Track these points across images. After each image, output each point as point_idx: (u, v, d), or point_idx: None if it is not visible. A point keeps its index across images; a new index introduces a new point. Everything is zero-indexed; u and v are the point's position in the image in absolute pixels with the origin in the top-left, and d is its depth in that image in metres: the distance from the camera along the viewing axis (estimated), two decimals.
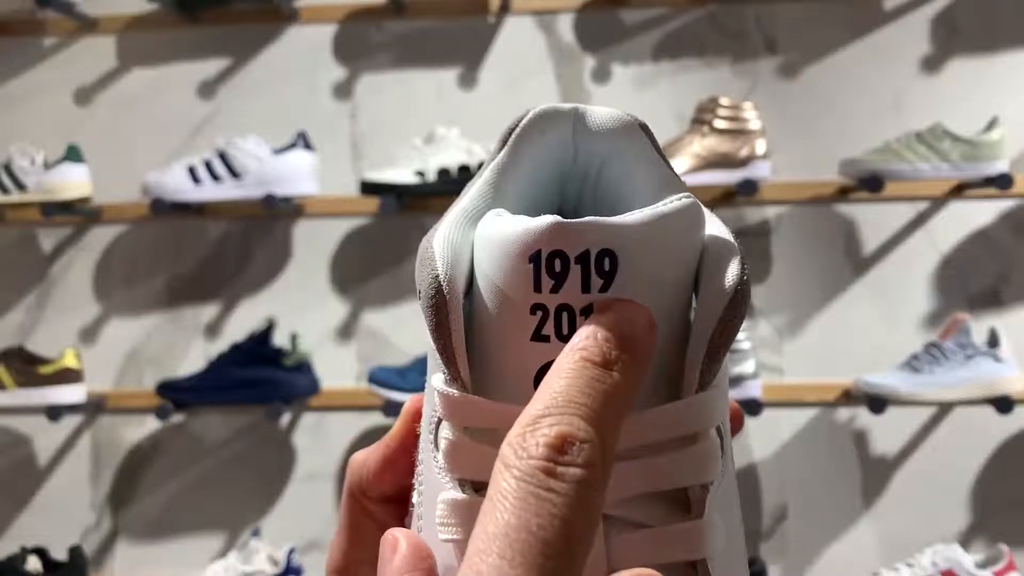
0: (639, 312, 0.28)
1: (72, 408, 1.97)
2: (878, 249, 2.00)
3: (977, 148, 1.82)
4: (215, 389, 1.93)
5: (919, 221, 2.00)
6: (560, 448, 0.25)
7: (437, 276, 0.29)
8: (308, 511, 2.07)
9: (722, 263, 0.29)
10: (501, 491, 0.25)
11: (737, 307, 0.29)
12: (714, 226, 0.31)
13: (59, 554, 1.95)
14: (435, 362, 0.31)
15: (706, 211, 0.31)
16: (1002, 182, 1.81)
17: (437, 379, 0.30)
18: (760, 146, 1.86)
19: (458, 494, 0.29)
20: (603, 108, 0.33)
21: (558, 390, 0.26)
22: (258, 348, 1.94)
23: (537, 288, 0.28)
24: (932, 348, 1.84)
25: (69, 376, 1.96)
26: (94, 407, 2.05)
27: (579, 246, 0.27)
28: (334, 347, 2.06)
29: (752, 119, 1.86)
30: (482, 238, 0.29)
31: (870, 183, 1.81)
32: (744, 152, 1.85)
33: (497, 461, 0.26)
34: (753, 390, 1.84)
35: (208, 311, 2.11)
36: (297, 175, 1.93)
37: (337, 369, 2.04)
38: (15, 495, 2.15)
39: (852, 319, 2.00)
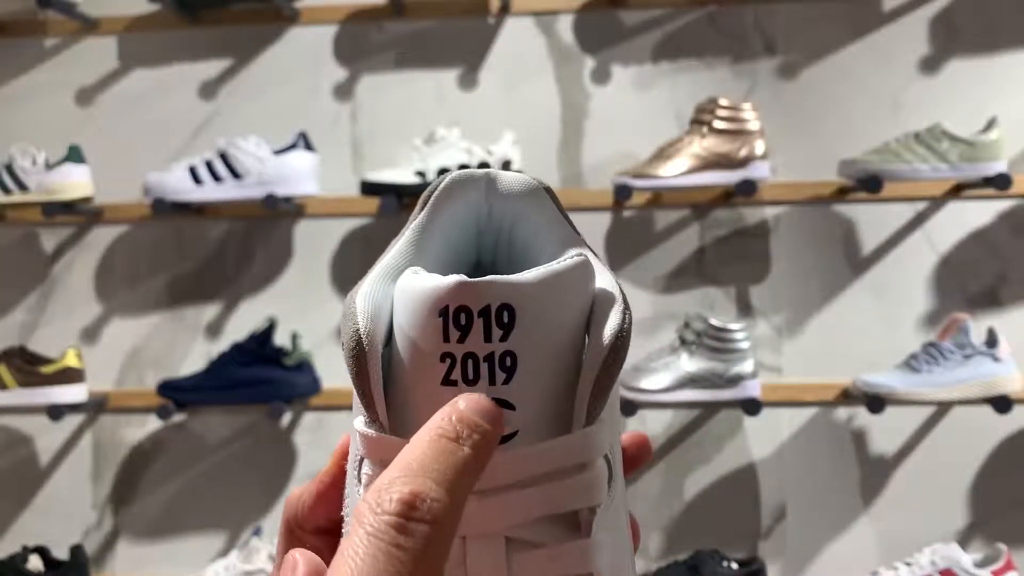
0: (488, 404, 0.31)
1: (73, 408, 1.97)
2: (877, 249, 2.01)
3: (976, 148, 1.83)
4: (216, 389, 1.93)
5: (918, 221, 2.00)
6: (412, 504, 0.28)
7: (358, 330, 0.32)
8: None
9: (605, 315, 0.33)
10: (352, 546, 0.27)
11: (617, 353, 0.32)
12: (603, 279, 0.34)
13: (60, 553, 1.96)
14: (357, 406, 0.34)
15: (597, 264, 0.35)
16: (1000, 182, 1.82)
17: (359, 421, 0.34)
18: (759, 146, 1.86)
19: None
20: (512, 173, 0.37)
21: (413, 458, 0.29)
22: (259, 348, 1.94)
23: (446, 339, 0.31)
24: (931, 348, 1.85)
25: (70, 376, 1.97)
26: (95, 407, 2.05)
27: (481, 301, 0.31)
28: (335, 347, 2.07)
29: (751, 120, 1.87)
30: (399, 294, 0.33)
31: (869, 183, 1.82)
32: (743, 152, 1.85)
33: (351, 518, 0.28)
34: (752, 389, 1.84)
35: (209, 311, 2.11)
36: (298, 175, 1.94)
37: (338, 369, 2.04)
38: (16, 494, 2.15)
39: (851, 319, 2.01)
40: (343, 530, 0.35)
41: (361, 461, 0.34)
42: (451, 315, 0.31)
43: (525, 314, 0.31)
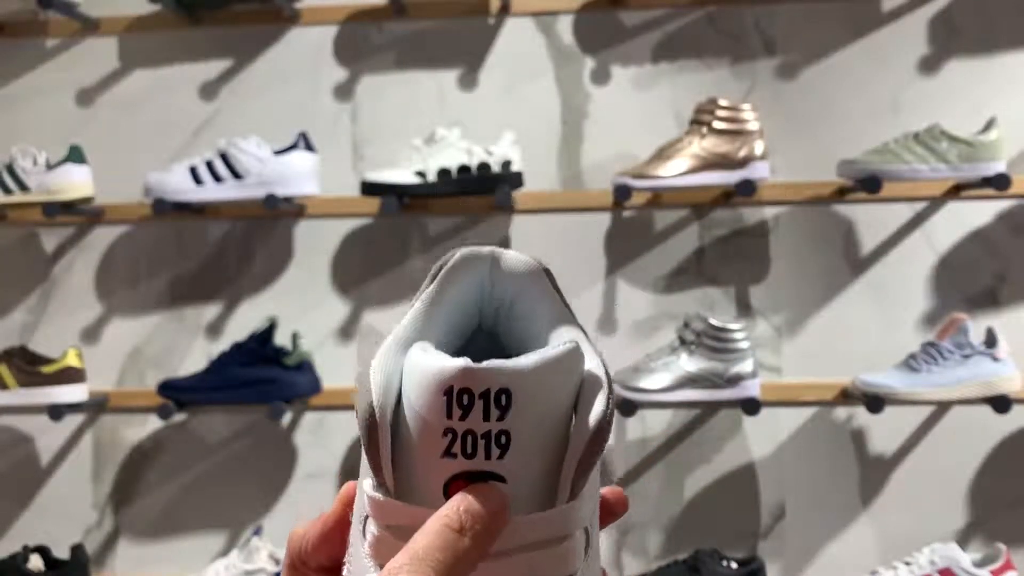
0: (496, 496, 0.34)
1: (74, 407, 1.98)
2: (876, 249, 2.01)
3: (975, 149, 1.83)
4: (216, 389, 1.94)
5: (917, 221, 2.00)
6: None
7: (371, 404, 0.35)
8: (309, 510, 2.07)
9: (591, 399, 0.36)
10: None
11: (600, 436, 0.36)
12: (591, 362, 0.37)
13: (61, 553, 1.96)
14: (365, 468, 0.37)
15: (586, 346, 0.38)
16: (999, 182, 1.82)
17: (367, 483, 0.37)
18: (759, 147, 1.87)
19: None
20: (515, 254, 0.40)
21: (420, 546, 0.33)
22: (259, 348, 1.94)
23: (449, 416, 0.34)
24: (930, 348, 1.85)
25: (71, 375, 1.97)
26: (96, 406, 2.05)
27: (482, 385, 0.34)
28: (335, 347, 2.07)
29: (751, 120, 1.87)
30: (409, 369, 0.36)
31: (868, 184, 1.82)
32: (743, 153, 1.86)
33: None
34: (751, 389, 1.84)
35: (210, 311, 2.12)
36: (298, 176, 1.94)
37: (338, 368, 2.05)
38: (17, 494, 2.15)
39: (850, 319, 2.01)
40: (344, 572, 0.38)
41: (367, 519, 0.37)
42: (455, 395, 0.34)
43: (520, 397, 0.34)
